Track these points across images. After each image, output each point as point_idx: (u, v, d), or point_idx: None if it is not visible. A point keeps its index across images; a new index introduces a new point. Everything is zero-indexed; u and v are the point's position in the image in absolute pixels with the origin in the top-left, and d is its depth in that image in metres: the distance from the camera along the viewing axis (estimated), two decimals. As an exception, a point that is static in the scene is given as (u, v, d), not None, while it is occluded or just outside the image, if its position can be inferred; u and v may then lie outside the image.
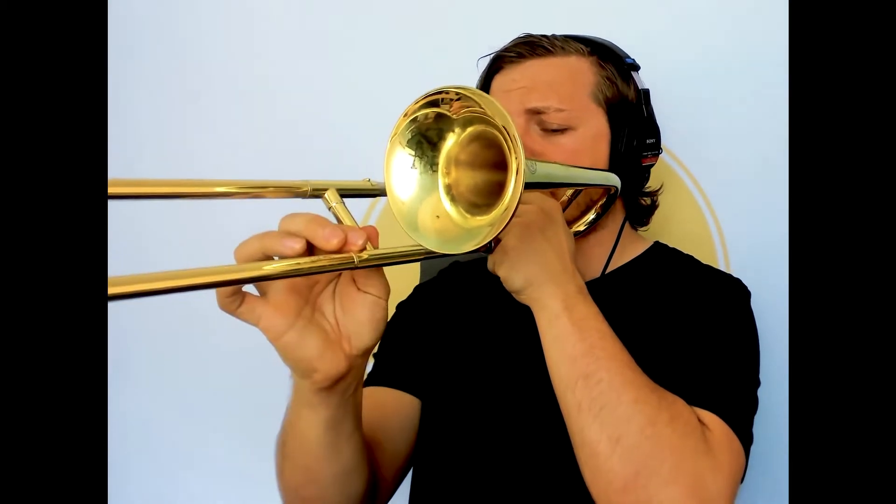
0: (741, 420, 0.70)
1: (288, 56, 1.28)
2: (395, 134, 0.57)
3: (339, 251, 0.52)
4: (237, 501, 1.31)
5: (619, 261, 0.88)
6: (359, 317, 0.58)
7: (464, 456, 0.81)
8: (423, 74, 1.21)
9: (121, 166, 1.30)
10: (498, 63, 0.86)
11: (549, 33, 0.86)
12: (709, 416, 0.67)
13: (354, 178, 0.61)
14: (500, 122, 0.53)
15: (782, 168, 0.93)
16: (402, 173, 0.57)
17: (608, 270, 0.86)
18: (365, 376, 0.68)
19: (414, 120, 0.56)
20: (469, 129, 0.57)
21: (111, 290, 0.39)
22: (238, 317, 0.55)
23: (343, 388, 0.61)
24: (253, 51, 1.30)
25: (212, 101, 1.32)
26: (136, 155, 1.33)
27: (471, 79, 0.90)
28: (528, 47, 0.83)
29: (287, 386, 1.26)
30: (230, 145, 1.30)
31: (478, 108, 0.55)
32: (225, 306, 0.54)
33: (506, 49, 0.85)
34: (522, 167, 0.51)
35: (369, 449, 0.74)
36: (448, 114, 0.56)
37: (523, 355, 0.77)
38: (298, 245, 0.52)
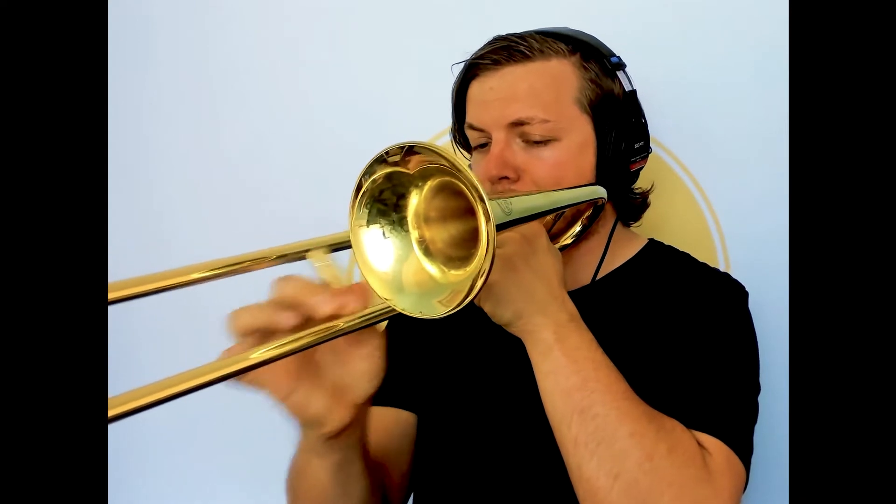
0: (741, 437, 0.69)
1: (290, 60, 1.28)
2: (351, 222, 0.54)
3: (332, 317, 0.53)
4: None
5: (612, 264, 0.85)
6: (357, 370, 0.59)
7: (461, 474, 0.80)
8: (398, 77, 1.20)
9: (126, 168, 1.32)
10: (473, 70, 0.81)
11: (525, 31, 0.80)
12: (708, 440, 0.66)
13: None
14: (462, 178, 0.50)
15: (782, 166, 0.93)
16: (375, 247, 0.55)
17: (599, 276, 0.83)
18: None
19: (363, 194, 0.53)
20: (430, 183, 0.54)
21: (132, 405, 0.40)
22: (246, 385, 0.55)
23: (348, 435, 0.62)
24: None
25: (219, 104, 1.32)
26: (144, 158, 1.34)
27: (445, 84, 0.87)
28: (506, 53, 0.78)
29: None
30: (238, 149, 1.31)
31: (433, 161, 0.51)
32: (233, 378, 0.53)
33: (481, 55, 0.80)
34: (493, 228, 0.48)
35: (380, 473, 0.75)
36: (402, 170, 0.53)
37: (519, 377, 0.74)
38: (294, 320, 0.52)
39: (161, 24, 1.34)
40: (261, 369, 0.52)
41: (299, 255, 0.54)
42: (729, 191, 1.07)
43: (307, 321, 0.52)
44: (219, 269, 0.49)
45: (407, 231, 0.55)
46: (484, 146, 0.80)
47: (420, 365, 0.86)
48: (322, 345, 0.56)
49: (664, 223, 0.97)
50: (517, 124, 0.77)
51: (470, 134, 0.82)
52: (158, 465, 1.38)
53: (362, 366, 0.60)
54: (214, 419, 1.34)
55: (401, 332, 0.91)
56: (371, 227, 0.54)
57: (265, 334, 0.52)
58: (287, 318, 0.52)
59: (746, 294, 0.81)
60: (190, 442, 1.36)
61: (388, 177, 0.53)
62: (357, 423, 0.63)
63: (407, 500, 0.87)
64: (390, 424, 0.84)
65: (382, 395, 0.85)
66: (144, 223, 1.35)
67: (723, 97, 1.06)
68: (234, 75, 1.31)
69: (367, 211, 0.54)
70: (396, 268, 0.55)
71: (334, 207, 1.21)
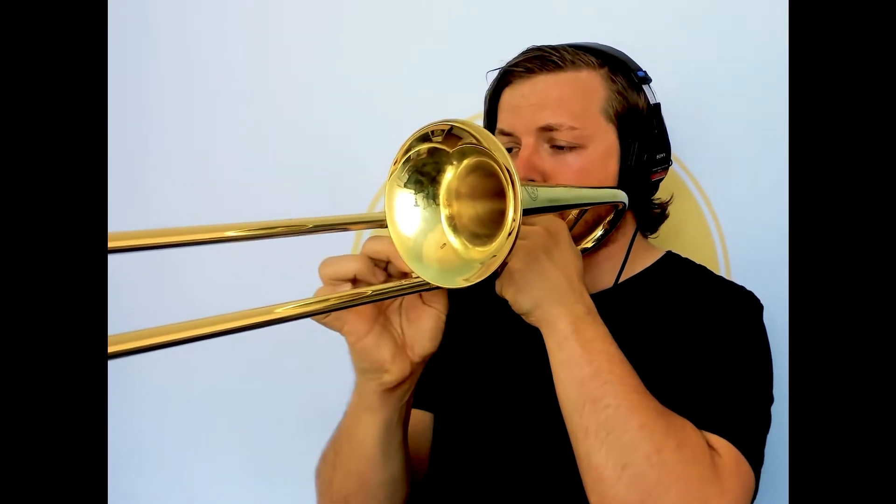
0: (752, 443, 0.69)
1: (289, 60, 1.28)
2: (392, 176, 0.57)
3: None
4: (239, 502, 1.31)
5: (631, 271, 0.86)
6: (423, 327, 0.66)
7: (473, 471, 0.81)
8: (434, 84, 1.20)
9: (129, 168, 1.31)
10: (507, 77, 0.84)
11: (557, 44, 0.83)
12: (718, 441, 0.67)
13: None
14: (498, 158, 0.52)
15: (782, 166, 0.93)
16: (405, 211, 0.58)
17: (619, 281, 0.85)
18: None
19: (408, 160, 0.56)
20: (466, 161, 0.57)
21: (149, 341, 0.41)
22: (326, 325, 0.63)
23: (402, 392, 0.68)
24: (266, 54, 1.31)
25: (224, 104, 1.32)
26: (144, 157, 1.34)
27: (479, 90, 0.88)
28: (539, 62, 0.81)
29: (277, 396, 1.25)
30: (242, 148, 1.31)
31: (473, 141, 0.54)
32: (316, 317, 0.60)
33: (515, 63, 0.83)
34: (520, 210, 0.51)
35: (410, 458, 0.78)
36: (443, 147, 0.56)
37: (533, 370, 0.75)
38: (382, 276, 0.61)
39: (158, 23, 1.34)
40: (343, 312, 0.61)
41: (333, 228, 0.57)
42: (729, 191, 1.07)
43: (388, 278, 0.61)
44: (253, 230, 0.50)
45: (437, 205, 0.58)
46: (512, 150, 0.82)
47: (436, 364, 0.87)
48: (394, 300, 0.66)
49: (666, 228, 0.97)
50: (546, 130, 0.79)
51: (500, 139, 0.84)
52: (158, 465, 1.38)
53: (429, 324, 0.66)
54: (215, 419, 1.34)
55: None
56: (406, 190, 0.58)
57: (354, 283, 0.60)
58: (378, 275, 0.61)
59: (762, 307, 0.83)
60: (190, 441, 1.36)
61: (431, 152, 0.56)
62: (410, 381, 0.68)
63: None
64: (411, 423, 0.84)
65: None
66: (141, 223, 1.34)
67: (723, 97, 1.06)
68: (232, 75, 1.31)
69: (408, 176, 0.57)
70: (419, 238, 0.58)
71: (333, 208, 1.22)
